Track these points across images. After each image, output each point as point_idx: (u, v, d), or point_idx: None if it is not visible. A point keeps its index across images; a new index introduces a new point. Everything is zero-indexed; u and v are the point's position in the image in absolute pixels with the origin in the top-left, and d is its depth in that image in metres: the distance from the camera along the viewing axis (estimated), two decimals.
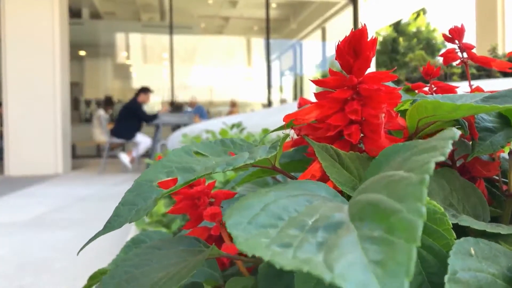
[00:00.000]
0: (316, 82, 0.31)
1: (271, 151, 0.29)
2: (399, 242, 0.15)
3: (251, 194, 0.23)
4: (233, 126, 2.13)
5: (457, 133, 0.20)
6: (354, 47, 0.29)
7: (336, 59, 0.30)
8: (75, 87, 8.67)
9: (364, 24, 0.28)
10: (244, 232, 0.20)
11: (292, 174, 0.40)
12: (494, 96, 0.29)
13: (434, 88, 0.47)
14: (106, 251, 1.68)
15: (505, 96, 0.28)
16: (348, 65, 0.30)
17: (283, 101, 8.71)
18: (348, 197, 0.27)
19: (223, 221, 0.22)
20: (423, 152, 0.20)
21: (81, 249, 0.34)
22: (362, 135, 0.31)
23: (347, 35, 0.30)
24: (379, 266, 0.14)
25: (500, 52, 4.78)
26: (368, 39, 0.29)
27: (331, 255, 0.16)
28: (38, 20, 5.20)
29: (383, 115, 0.30)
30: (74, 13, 8.41)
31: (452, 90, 0.46)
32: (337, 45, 0.30)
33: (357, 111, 0.30)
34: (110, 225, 0.29)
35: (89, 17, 9.18)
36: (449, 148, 0.19)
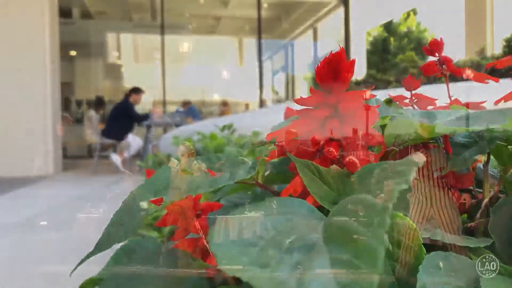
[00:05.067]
0: (297, 101, 0.32)
1: (250, 171, 0.30)
2: (364, 267, 0.16)
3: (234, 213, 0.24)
4: (224, 127, 2.14)
5: (422, 160, 0.22)
6: (333, 68, 0.31)
7: (316, 79, 0.31)
8: (66, 87, 8.60)
9: (342, 47, 0.29)
10: (226, 251, 0.21)
11: (276, 186, 0.42)
12: (467, 117, 0.31)
13: (415, 100, 0.49)
14: (99, 255, 1.68)
15: (476, 118, 0.30)
16: (328, 85, 0.31)
17: (263, 102, 8.67)
18: (327, 212, 0.28)
19: (207, 238, 0.24)
20: (391, 177, 0.21)
21: (73, 270, 0.35)
22: (341, 151, 0.33)
23: (326, 56, 0.31)
24: None
25: (489, 53, 4.83)
26: (346, 61, 0.30)
27: (304, 279, 0.17)
28: (28, 19, 5.16)
29: (361, 132, 0.32)
30: (65, 13, 8.34)
31: (432, 102, 0.48)
32: (317, 67, 0.31)
33: (337, 129, 0.32)
34: (100, 246, 0.30)
35: (79, 16, 9.12)
36: (412, 175, 0.20)
